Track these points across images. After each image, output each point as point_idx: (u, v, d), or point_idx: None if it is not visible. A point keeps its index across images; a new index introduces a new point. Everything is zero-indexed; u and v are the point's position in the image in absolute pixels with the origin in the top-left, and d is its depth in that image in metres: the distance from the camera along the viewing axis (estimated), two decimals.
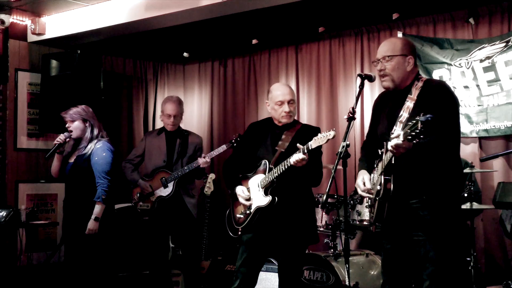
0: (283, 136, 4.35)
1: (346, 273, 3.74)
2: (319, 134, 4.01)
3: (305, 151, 3.96)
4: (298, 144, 4.02)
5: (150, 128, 7.93)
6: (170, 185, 5.88)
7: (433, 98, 3.64)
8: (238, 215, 4.44)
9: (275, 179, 4.18)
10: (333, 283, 4.71)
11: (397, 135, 3.27)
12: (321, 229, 5.24)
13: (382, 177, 3.54)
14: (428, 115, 3.09)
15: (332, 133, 3.96)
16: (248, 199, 4.33)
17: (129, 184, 6.12)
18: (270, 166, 4.26)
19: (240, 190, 4.36)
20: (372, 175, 3.77)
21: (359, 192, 3.73)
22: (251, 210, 4.31)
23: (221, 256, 6.30)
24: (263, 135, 4.47)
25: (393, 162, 3.46)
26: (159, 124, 7.87)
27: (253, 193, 4.34)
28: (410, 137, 3.15)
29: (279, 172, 4.14)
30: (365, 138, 4.03)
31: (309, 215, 4.43)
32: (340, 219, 5.04)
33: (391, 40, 3.93)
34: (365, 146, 4.01)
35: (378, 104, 3.97)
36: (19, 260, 6.36)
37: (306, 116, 7.05)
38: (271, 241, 4.32)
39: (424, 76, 5.74)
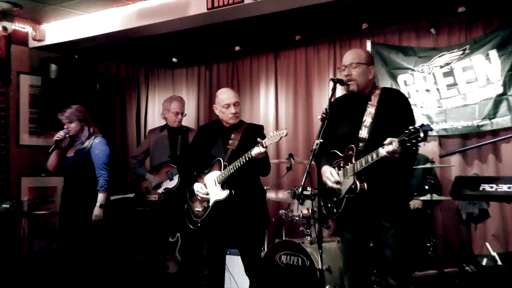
0: (232, 136, 4.44)
1: (319, 258, 3.78)
2: (273, 132, 4.10)
3: (264, 145, 4.04)
4: (258, 139, 4.08)
5: (142, 126, 7.97)
6: (175, 178, 5.96)
7: (394, 105, 3.76)
8: (196, 209, 4.50)
9: (232, 174, 4.26)
10: (308, 267, 4.70)
11: (390, 142, 3.35)
12: (296, 218, 5.26)
13: (355, 178, 3.61)
14: (427, 124, 3.24)
15: (284, 131, 4.08)
16: (207, 194, 4.40)
17: (123, 177, 6.17)
18: (225, 163, 4.35)
19: (198, 187, 4.43)
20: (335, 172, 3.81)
21: (330, 184, 3.73)
22: (210, 204, 4.39)
23: None
24: (213, 136, 4.54)
25: (366, 165, 3.53)
26: (150, 123, 7.96)
27: (210, 188, 4.42)
28: (409, 144, 3.26)
29: (237, 166, 4.21)
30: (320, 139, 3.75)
31: (260, 203, 4.54)
32: (314, 209, 4.97)
33: (357, 50, 3.98)
34: (325, 145, 3.82)
35: (335, 108, 3.89)
36: (22, 246, 6.37)
37: (284, 117, 7.07)
38: (229, 230, 4.41)
39: (383, 84, 5.92)
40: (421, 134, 3.21)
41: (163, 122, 7.37)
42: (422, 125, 3.21)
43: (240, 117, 4.51)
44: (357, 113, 3.80)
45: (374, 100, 3.79)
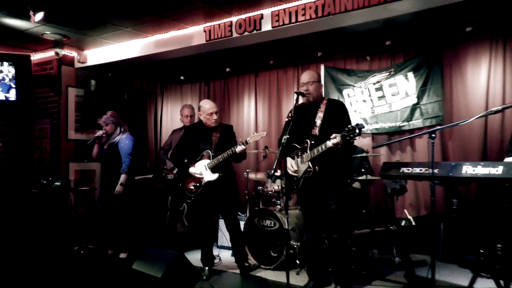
0: (214, 134, 4.52)
1: (286, 221, 3.81)
2: (254, 133, 4.24)
3: (248, 142, 4.17)
4: (240, 140, 4.22)
5: (158, 126, 7.86)
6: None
7: (336, 111, 3.84)
8: (190, 187, 4.55)
9: (220, 162, 4.35)
10: (278, 228, 4.70)
11: (335, 136, 3.44)
12: (270, 192, 5.23)
13: (310, 163, 3.70)
14: (361, 124, 3.37)
15: (264, 133, 4.26)
16: (201, 174, 4.46)
17: (144, 163, 6.15)
18: (212, 154, 4.43)
19: (194, 170, 4.50)
20: (294, 160, 3.88)
21: (290, 172, 3.84)
22: (202, 183, 4.46)
23: None
24: (200, 134, 4.57)
25: (317, 153, 3.62)
26: (164, 124, 7.91)
27: (202, 172, 4.48)
28: (348, 138, 3.36)
29: (224, 156, 4.31)
30: (286, 135, 3.71)
31: (233, 182, 4.62)
32: (282, 186, 5.00)
33: (312, 71, 3.99)
34: (282, 141, 3.81)
35: (295, 113, 3.89)
36: (70, 212, 6.38)
37: (261, 120, 7.03)
38: (215, 202, 4.50)
39: (332, 95, 5.96)
40: (357, 131, 3.30)
41: (174, 123, 7.38)
42: (357, 124, 3.31)
43: (218, 121, 4.58)
44: (310, 118, 3.86)
45: (323, 107, 3.86)
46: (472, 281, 3.11)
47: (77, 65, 6.90)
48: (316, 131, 3.79)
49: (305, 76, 3.92)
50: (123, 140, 5.16)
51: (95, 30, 5.91)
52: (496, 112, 3.03)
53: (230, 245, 4.78)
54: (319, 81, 3.95)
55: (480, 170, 2.85)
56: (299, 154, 3.83)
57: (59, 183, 5.68)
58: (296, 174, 3.83)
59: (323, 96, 4.04)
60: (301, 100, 3.91)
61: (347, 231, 4.09)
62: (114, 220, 5.16)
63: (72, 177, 6.68)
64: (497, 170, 2.77)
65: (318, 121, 3.81)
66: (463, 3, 4.24)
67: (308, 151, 3.74)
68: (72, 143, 6.84)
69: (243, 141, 4.23)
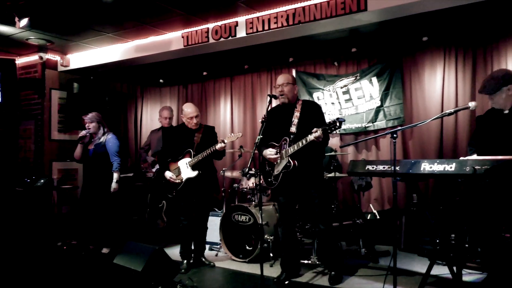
0: (196, 134, 4.50)
1: (260, 216, 3.81)
2: (231, 134, 4.27)
3: (224, 142, 4.18)
4: (219, 138, 4.23)
5: (138, 127, 7.79)
6: None
7: (312, 110, 3.88)
8: (176, 181, 4.50)
9: (200, 160, 4.33)
10: (252, 223, 4.69)
11: (316, 130, 3.45)
12: (245, 189, 5.19)
13: (289, 158, 3.71)
14: (342, 118, 3.41)
15: (240, 134, 4.27)
16: (177, 177, 4.46)
17: (125, 162, 6.07)
18: (194, 152, 4.41)
19: (169, 175, 4.47)
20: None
21: (273, 156, 3.82)
22: (183, 180, 4.44)
23: None
24: (183, 135, 4.56)
25: (298, 148, 3.64)
26: (143, 125, 7.84)
27: (183, 169, 4.46)
28: (329, 131, 3.39)
29: (204, 155, 4.30)
30: (260, 136, 3.69)
31: (214, 178, 4.62)
32: (256, 183, 5.01)
33: (287, 74, 4.05)
34: (264, 139, 3.88)
35: (273, 114, 3.99)
36: (53, 210, 6.27)
37: (237, 121, 7.03)
38: (194, 196, 4.48)
39: (303, 98, 6.02)
40: (337, 124, 3.35)
41: (153, 124, 7.32)
42: (338, 118, 3.35)
43: (199, 124, 4.55)
44: (287, 117, 3.88)
45: (299, 107, 3.89)
46: (429, 268, 3.20)
47: (60, 68, 6.79)
48: (293, 129, 3.81)
49: (280, 79, 3.95)
50: (110, 139, 5.09)
51: (78, 35, 5.82)
52: (450, 114, 3.12)
53: (209, 240, 4.78)
54: (293, 83, 3.97)
55: (436, 167, 2.93)
56: (277, 151, 3.84)
57: (42, 182, 5.58)
58: (277, 156, 3.83)
59: (298, 97, 4.07)
60: (276, 102, 3.94)
61: (330, 221, 4.12)
62: (97, 217, 5.09)
63: (55, 175, 6.56)
64: (451, 167, 2.85)
65: (295, 120, 3.82)
66: (419, 15, 4.39)
67: (287, 147, 3.76)
68: (55, 143, 6.73)
69: (222, 140, 4.24)
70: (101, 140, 5.10)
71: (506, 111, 3.18)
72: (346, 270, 4.15)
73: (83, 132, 5.12)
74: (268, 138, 3.93)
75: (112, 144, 5.07)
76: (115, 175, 5.00)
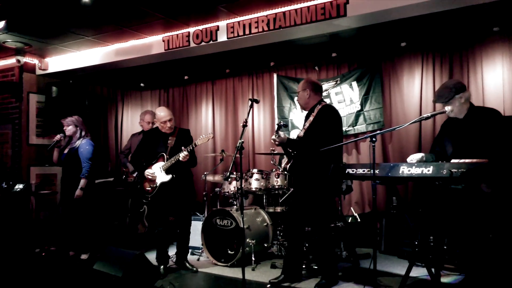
0: (170, 137, 4.48)
1: (241, 220, 3.81)
2: (203, 135, 4.22)
3: (188, 150, 4.19)
4: (182, 147, 4.21)
5: (119, 131, 7.70)
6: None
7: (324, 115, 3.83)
8: (147, 188, 4.50)
9: (172, 165, 4.32)
10: (234, 227, 4.69)
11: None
12: (227, 193, 5.19)
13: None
14: (283, 122, 3.47)
15: (211, 134, 4.27)
16: (153, 174, 4.42)
17: (105, 167, 6.00)
18: (167, 156, 4.39)
19: (148, 172, 4.45)
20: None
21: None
22: (157, 184, 4.41)
23: None
24: (157, 139, 4.53)
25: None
26: (124, 129, 7.74)
27: (157, 173, 4.44)
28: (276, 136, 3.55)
29: (172, 162, 4.29)
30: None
31: (190, 183, 4.57)
32: (238, 187, 5.04)
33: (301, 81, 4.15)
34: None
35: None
36: (31, 216, 6.13)
37: (218, 125, 7.00)
38: (171, 202, 4.45)
39: (285, 102, 6.03)
40: (276, 127, 3.61)
41: (134, 128, 7.24)
42: (280, 122, 3.50)
43: (173, 127, 4.51)
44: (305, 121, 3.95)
45: (315, 112, 3.87)
46: (408, 270, 3.25)
47: (39, 72, 6.69)
48: (301, 133, 3.86)
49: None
50: (83, 145, 5.03)
51: (57, 38, 5.75)
52: (427, 118, 3.19)
53: (191, 244, 4.75)
54: (303, 89, 3.97)
55: (415, 170, 2.97)
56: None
57: (20, 187, 5.48)
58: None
59: (322, 101, 4.01)
60: (256, 107, 3.97)
61: (328, 224, 4.09)
62: (75, 222, 5.01)
63: (33, 181, 6.45)
64: (428, 170, 2.90)
65: (307, 124, 3.85)
66: (397, 21, 4.48)
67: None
68: (33, 148, 6.61)
69: (191, 145, 4.23)
70: (75, 144, 5.06)
71: (461, 118, 3.28)
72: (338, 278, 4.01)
73: (57, 136, 5.10)
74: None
75: (84, 150, 5.00)
76: (81, 182, 4.92)
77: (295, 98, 6.15)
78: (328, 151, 3.46)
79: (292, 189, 3.93)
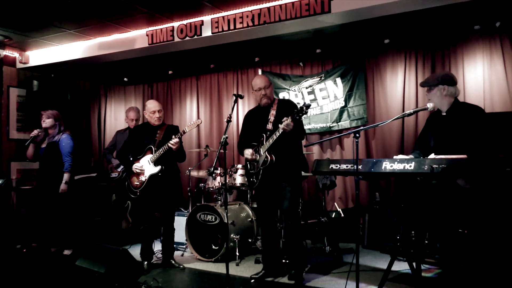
0: (158, 131, 4.46)
1: (226, 215, 3.81)
2: (191, 122, 4.24)
3: (179, 137, 4.20)
4: (173, 136, 4.20)
5: (102, 127, 7.60)
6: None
7: (288, 107, 3.89)
8: (135, 183, 4.45)
9: (161, 155, 4.29)
10: (218, 222, 4.69)
11: (286, 119, 3.51)
12: (211, 189, 5.17)
13: (267, 153, 3.76)
14: (307, 103, 3.43)
15: (200, 120, 4.31)
16: (141, 167, 4.40)
17: (88, 162, 5.93)
18: (155, 149, 4.36)
19: (135, 166, 4.42)
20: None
21: (249, 156, 3.89)
22: (146, 178, 4.38)
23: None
24: (145, 132, 4.52)
25: (272, 141, 3.69)
26: (107, 124, 7.66)
27: (145, 166, 4.40)
28: (298, 117, 3.45)
29: (162, 151, 4.27)
30: (239, 137, 4.24)
31: (177, 179, 4.56)
32: (222, 182, 5.01)
33: (263, 76, 4.16)
34: (243, 141, 4.12)
35: (249, 117, 4.16)
36: (12, 211, 6.07)
37: (204, 122, 6.96)
38: (158, 197, 4.42)
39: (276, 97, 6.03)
40: (304, 108, 3.42)
41: (118, 123, 7.16)
42: (304, 103, 3.42)
43: (162, 120, 4.50)
44: (264, 117, 3.97)
45: (275, 106, 3.98)
46: (390, 264, 3.30)
47: (19, 65, 6.57)
48: (270, 126, 3.87)
49: (261, 82, 4.00)
50: (64, 139, 5.00)
51: (38, 31, 5.65)
52: (409, 114, 3.23)
53: (175, 240, 4.74)
54: (271, 84, 4.05)
55: (397, 166, 3.02)
56: (257, 149, 3.89)
57: (0, 182, 5.38)
58: (253, 157, 3.89)
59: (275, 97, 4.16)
60: (242, 102, 4.00)
61: (299, 217, 4.13)
62: (56, 218, 4.97)
63: (14, 176, 6.36)
64: (410, 166, 2.95)
65: (271, 118, 3.90)
66: (381, 18, 4.53)
67: (264, 143, 3.81)
68: (14, 143, 6.50)
69: (181, 131, 4.25)
70: (55, 139, 5.02)
71: (444, 113, 3.33)
72: (309, 268, 4.20)
73: (35, 132, 5.05)
74: (249, 139, 3.99)
75: (65, 144, 4.98)
76: (65, 176, 4.91)
77: (281, 93, 6.23)
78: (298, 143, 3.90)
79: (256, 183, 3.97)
